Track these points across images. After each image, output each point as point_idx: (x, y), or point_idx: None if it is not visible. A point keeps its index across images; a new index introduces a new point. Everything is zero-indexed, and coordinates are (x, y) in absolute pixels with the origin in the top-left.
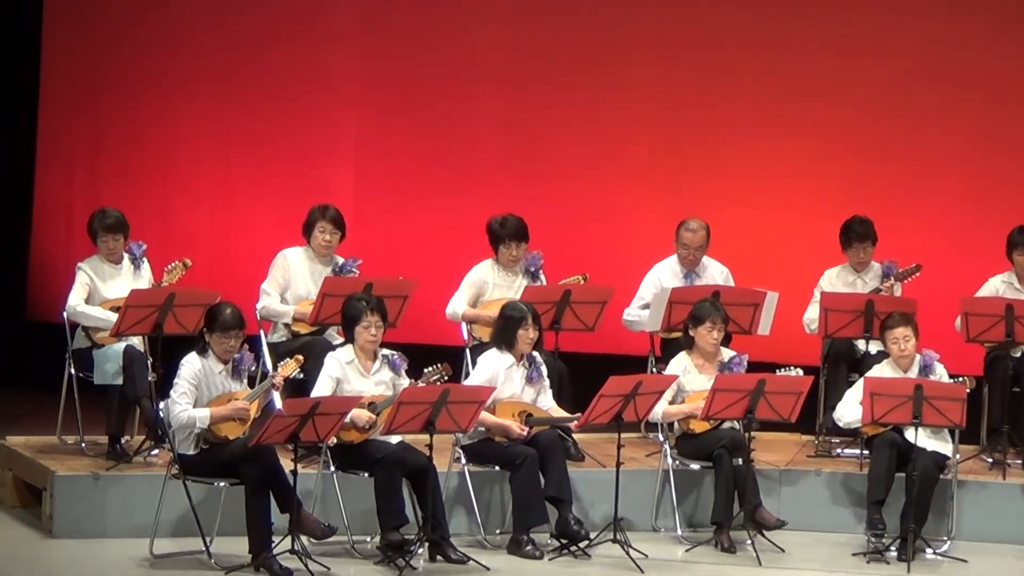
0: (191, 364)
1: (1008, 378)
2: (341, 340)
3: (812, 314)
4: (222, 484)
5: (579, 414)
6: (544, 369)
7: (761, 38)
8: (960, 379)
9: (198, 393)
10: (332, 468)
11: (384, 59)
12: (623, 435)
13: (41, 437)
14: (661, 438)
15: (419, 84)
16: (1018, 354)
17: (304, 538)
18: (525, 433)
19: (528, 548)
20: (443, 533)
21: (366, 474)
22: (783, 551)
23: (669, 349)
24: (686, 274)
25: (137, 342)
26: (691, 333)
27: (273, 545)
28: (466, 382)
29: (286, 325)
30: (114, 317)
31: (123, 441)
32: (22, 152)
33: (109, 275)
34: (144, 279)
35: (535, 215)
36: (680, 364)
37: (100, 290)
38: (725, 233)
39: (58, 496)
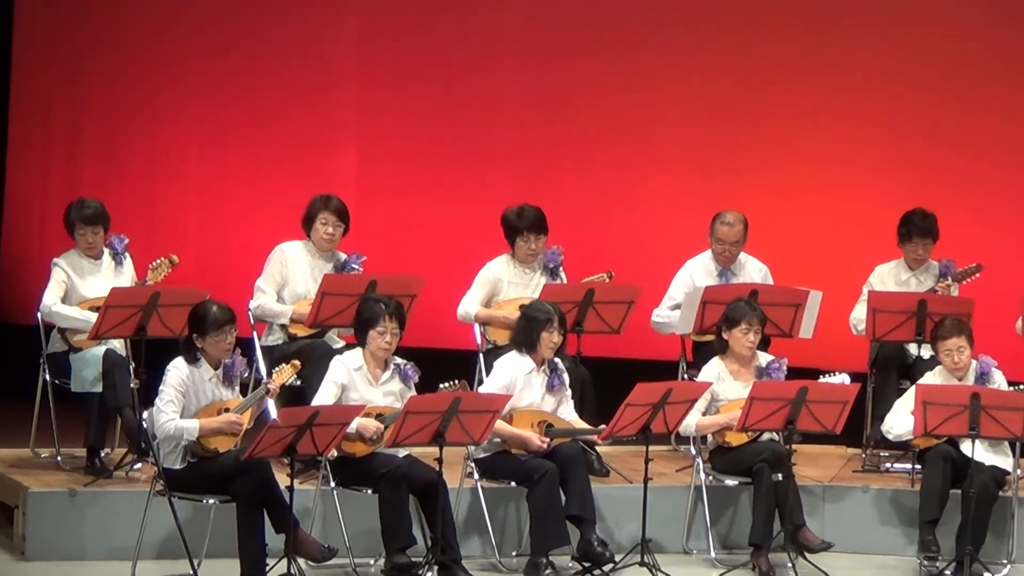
0: (178, 370)
1: None
2: (342, 343)
3: (859, 313)
4: (211, 501)
5: (603, 425)
6: (566, 376)
7: (805, 10)
8: (1021, 387)
9: (185, 402)
10: (332, 484)
11: (389, 34)
12: (651, 448)
13: (13, 450)
14: (693, 451)
15: (427, 61)
16: None
17: (302, 561)
18: (545, 445)
19: (547, 572)
20: (454, 555)
21: (370, 490)
22: None
23: (702, 354)
24: (721, 272)
25: (118, 346)
26: (725, 336)
27: (267, 569)
28: (480, 389)
29: (282, 327)
30: (93, 318)
31: (103, 454)
32: None
33: (88, 271)
34: (126, 276)
35: (555, 206)
36: (713, 370)
37: (78, 288)
38: (764, 227)
39: (31, 515)
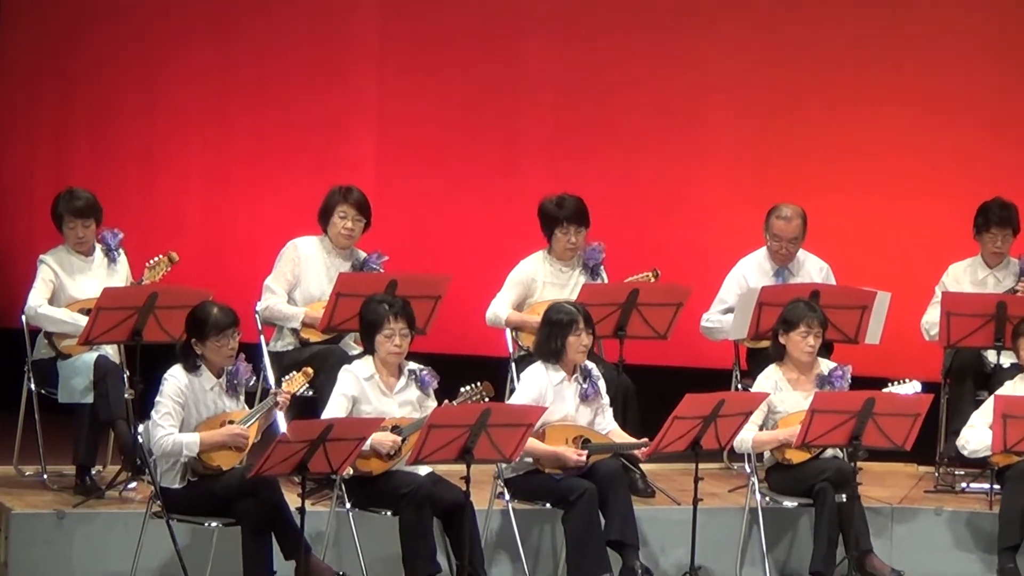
0: (176, 379)
1: None
2: (359, 350)
3: (932, 317)
4: (214, 524)
5: (648, 439)
6: (602, 383)
7: None
8: None
9: (185, 414)
10: (348, 505)
11: (412, 7)
12: (701, 466)
13: None
14: (748, 469)
15: (454, 37)
16: None
17: None
18: (583, 461)
19: None
20: None
21: (389, 512)
22: None
23: (757, 361)
24: (777, 271)
25: (111, 352)
26: (782, 340)
27: None
28: (510, 401)
29: (293, 331)
30: (83, 321)
31: (94, 472)
32: None
33: (78, 270)
34: (120, 275)
35: (595, 198)
36: (770, 379)
37: (67, 288)
38: (825, 221)
39: (15, 538)
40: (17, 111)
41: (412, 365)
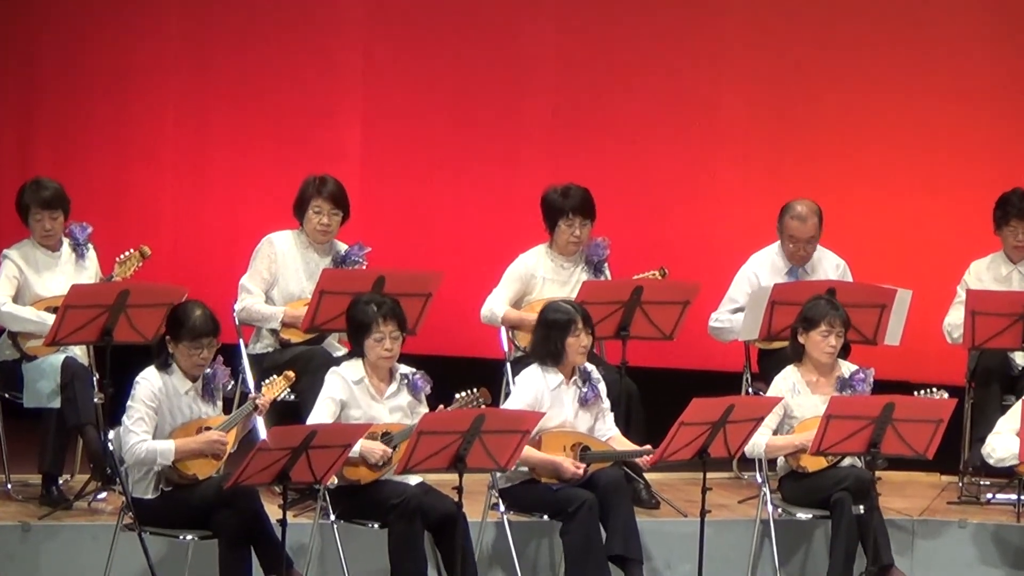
0: (149, 382)
1: None
2: (344, 351)
3: (955, 318)
4: (189, 537)
5: (652, 447)
6: (602, 386)
7: None
8: None
9: (159, 419)
10: (332, 516)
11: None
12: (710, 475)
13: None
14: (759, 479)
15: (446, 17)
16: None
17: None
18: (581, 472)
19: None
20: None
21: (377, 524)
22: None
23: (769, 364)
24: (791, 269)
25: (80, 353)
26: (800, 340)
27: None
28: (504, 405)
29: (273, 332)
30: (50, 320)
31: (61, 481)
32: None
33: (44, 265)
34: (89, 271)
35: (598, 191)
36: (788, 381)
37: (32, 285)
38: (842, 216)
39: None
40: None
41: (404, 369)
